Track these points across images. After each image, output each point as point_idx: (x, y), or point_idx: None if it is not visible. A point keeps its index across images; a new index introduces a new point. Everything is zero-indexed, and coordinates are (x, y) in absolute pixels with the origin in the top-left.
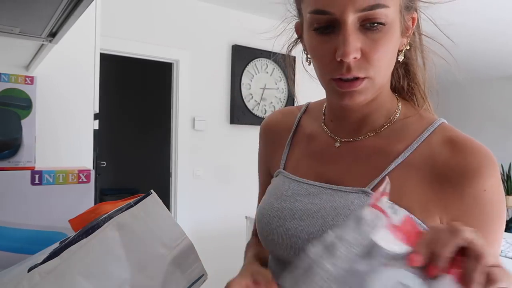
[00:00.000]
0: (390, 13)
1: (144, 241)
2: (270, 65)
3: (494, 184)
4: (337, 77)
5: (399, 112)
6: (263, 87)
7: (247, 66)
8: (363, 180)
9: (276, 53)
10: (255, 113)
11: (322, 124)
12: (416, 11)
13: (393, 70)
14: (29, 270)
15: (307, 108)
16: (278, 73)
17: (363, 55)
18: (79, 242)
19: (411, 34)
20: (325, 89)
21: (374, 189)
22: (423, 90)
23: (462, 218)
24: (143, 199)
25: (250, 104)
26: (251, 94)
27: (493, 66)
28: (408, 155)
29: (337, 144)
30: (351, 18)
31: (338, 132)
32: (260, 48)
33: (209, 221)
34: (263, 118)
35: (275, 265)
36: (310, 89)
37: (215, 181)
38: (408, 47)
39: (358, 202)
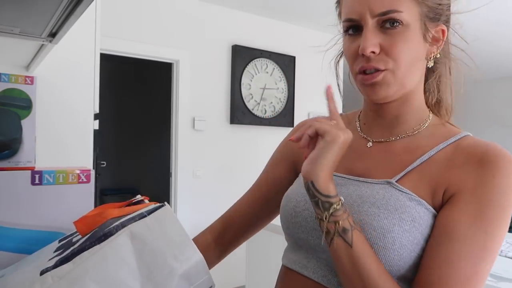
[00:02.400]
0: (405, 16)
1: (155, 252)
2: (270, 65)
3: (506, 180)
4: (361, 70)
5: (429, 120)
6: (263, 87)
7: (247, 66)
8: (389, 174)
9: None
10: (255, 113)
11: (358, 128)
12: (446, 25)
13: (426, 85)
14: (42, 273)
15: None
16: (278, 73)
17: (383, 50)
18: (92, 248)
19: (441, 45)
20: (357, 86)
21: (398, 181)
22: (449, 104)
23: (463, 192)
24: (157, 210)
25: (250, 104)
26: (251, 94)
27: (494, 67)
28: (433, 154)
29: (369, 144)
30: (370, 22)
31: (371, 134)
32: (260, 48)
33: (210, 221)
34: (263, 118)
35: (291, 252)
36: (310, 89)
37: (215, 181)
38: (438, 55)
39: (383, 192)
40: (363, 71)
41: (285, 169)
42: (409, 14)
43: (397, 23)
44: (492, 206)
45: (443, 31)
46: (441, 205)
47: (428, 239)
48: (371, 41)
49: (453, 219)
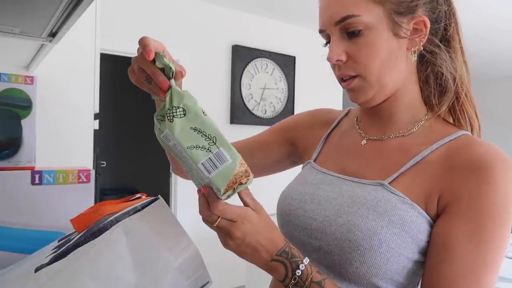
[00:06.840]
0: (365, 19)
1: (150, 246)
2: (270, 65)
3: (502, 184)
4: (339, 78)
5: (424, 119)
6: (263, 87)
7: (247, 66)
8: (382, 174)
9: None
10: (255, 113)
11: (355, 124)
12: (430, 14)
13: (424, 81)
14: (36, 270)
15: (348, 112)
16: (278, 73)
17: (350, 57)
18: (86, 244)
19: (424, 37)
20: None
21: (391, 183)
22: (448, 96)
23: (459, 203)
24: (150, 203)
25: (250, 104)
26: (251, 94)
27: (493, 66)
28: (427, 154)
29: (364, 142)
30: (334, 30)
31: (366, 131)
32: (260, 48)
33: None
34: (263, 118)
35: None
36: (310, 89)
37: None
38: (421, 48)
39: (375, 193)
40: (341, 78)
41: (278, 142)
42: (369, 15)
43: (359, 29)
44: (489, 216)
45: (423, 22)
46: (437, 213)
47: (422, 245)
48: (335, 50)
49: (451, 235)
